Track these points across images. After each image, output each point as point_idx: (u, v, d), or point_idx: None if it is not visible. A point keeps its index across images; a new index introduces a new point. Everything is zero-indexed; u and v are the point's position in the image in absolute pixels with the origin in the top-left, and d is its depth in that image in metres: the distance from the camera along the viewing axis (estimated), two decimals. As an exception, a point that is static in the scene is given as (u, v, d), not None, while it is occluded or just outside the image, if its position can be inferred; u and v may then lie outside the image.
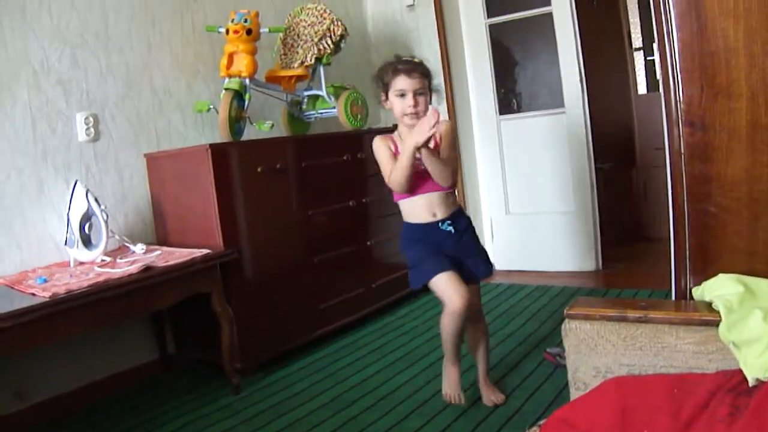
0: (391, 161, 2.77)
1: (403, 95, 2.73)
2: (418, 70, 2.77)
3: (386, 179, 2.79)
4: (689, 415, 1.39)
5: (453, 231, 2.83)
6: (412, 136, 2.60)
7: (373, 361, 3.52)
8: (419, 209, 2.82)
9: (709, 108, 1.69)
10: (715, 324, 1.55)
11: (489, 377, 3.10)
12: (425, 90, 2.77)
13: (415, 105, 2.72)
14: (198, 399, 3.34)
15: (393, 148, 2.81)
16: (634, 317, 1.68)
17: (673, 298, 1.93)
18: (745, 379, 1.42)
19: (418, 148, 2.60)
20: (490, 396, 3.00)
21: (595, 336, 1.74)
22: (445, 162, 2.76)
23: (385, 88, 2.79)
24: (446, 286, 2.72)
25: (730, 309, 1.54)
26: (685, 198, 1.78)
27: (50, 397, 3.30)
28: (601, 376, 1.73)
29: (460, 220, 2.89)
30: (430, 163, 2.70)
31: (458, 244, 2.84)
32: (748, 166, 1.66)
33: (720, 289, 1.64)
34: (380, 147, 2.83)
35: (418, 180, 2.77)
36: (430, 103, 2.82)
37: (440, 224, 2.81)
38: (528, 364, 3.36)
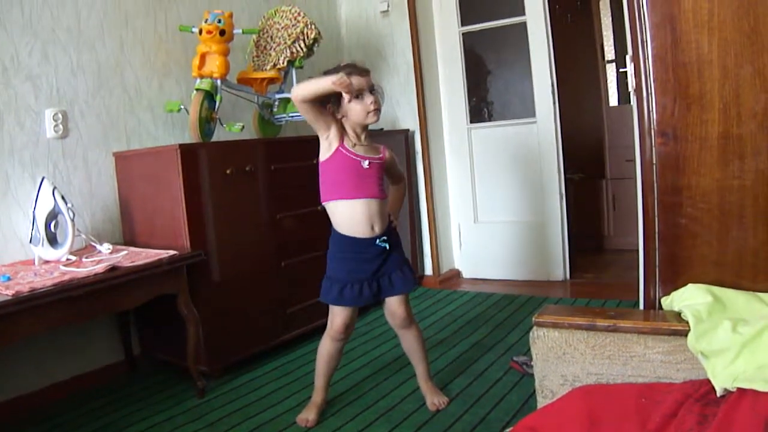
0: (323, 112, 2.76)
1: (360, 96, 2.72)
2: (366, 69, 2.79)
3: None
4: (657, 424, 1.39)
5: (387, 247, 2.83)
6: (334, 77, 2.58)
7: (339, 366, 3.50)
8: (358, 218, 2.78)
9: (681, 118, 1.70)
10: (684, 334, 1.56)
11: (431, 379, 3.13)
12: (374, 88, 2.79)
13: (375, 101, 2.74)
14: (162, 402, 3.30)
15: (338, 137, 2.77)
16: (603, 326, 1.68)
17: (642, 307, 1.94)
18: (713, 389, 1.42)
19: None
20: (432, 399, 3.03)
21: (564, 344, 1.74)
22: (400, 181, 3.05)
23: (337, 97, 2.73)
24: (338, 313, 2.91)
25: (699, 319, 1.54)
26: (656, 208, 1.79)
27: (12, 398, 3.23)
28: (569, 385, 1.72)
29: (392, 235, 2.90)
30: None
31: (386, 261, 2.85)
32: (719, 177, 1.67)
33: (689, 299, 1.65)
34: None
35: (360, 181, 2.77)
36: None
37: (376, 240, 2.81)
38: (494, 373, 3.35)
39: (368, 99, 2.71)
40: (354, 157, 2.75)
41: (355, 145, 2.78)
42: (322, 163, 2.81)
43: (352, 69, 2.73)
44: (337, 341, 2.95)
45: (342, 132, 2.79)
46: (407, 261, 2.99)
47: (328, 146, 2.78)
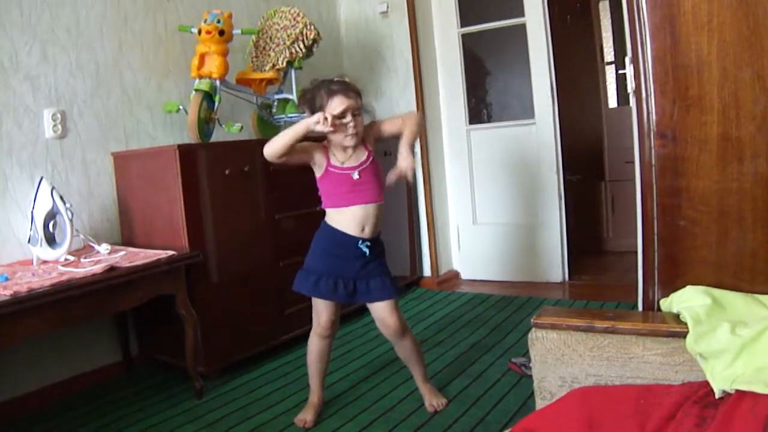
0: (302, 147, 2.77)
1: (341, 117, 2.69)
2: (353, 89, 2.76)
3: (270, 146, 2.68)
4: (656, 426, 1.39)
5: (367, 253, 2.82)
6: (312, 120, 2.61)
7: (337, 368, 3.50)
8: (350, 221, 2.80)
9: (680, 120, 1.70)
10: (683, 335, 1.55)
11: (429, 381, 3.12)
12: (360, 110, 2.77)
13: (355, 125, 2.72)
14: (160, 403, 3.30)
15: (324, 157, 2.79)
16: (601, 327, 1.68)
17: (641, 309, 1.93)
18: (712, 391, 1.42)
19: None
20: (431, 400, 3.02)
21: (562, 346, 1.74)
22: (399, 121, 2.87)
23: (319, 111, 2.71)
24: (321, 308, 2.93)
25: (697, 321, 1.54)
26: (655, 210, 1.79)
27: (8, 399, 3.23)
28: (567, 386, 1.72)
29: (377, 245, 2.89)
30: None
31: (365, 266, 2.84)
32: (718, 179, 1.67)
33: (688, 301, 1.65)
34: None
35: (354, 190, 2.78)
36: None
37: (360, 242, 2.80)
38: (493, 374, 3.35)
39: (347, 124, 2.71)
40: (343, 172, 2.78)
41: (344, 162, 2.79)
42: (318, 179, 2.85)
43: (339, 87, 2.72)
44: (324, 338, 2.96)
45: (326, 152, 2.80)
46: (389, 273, 2.94)
47: (318, 168, 2.82)
